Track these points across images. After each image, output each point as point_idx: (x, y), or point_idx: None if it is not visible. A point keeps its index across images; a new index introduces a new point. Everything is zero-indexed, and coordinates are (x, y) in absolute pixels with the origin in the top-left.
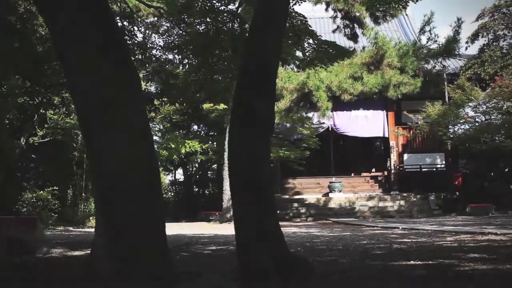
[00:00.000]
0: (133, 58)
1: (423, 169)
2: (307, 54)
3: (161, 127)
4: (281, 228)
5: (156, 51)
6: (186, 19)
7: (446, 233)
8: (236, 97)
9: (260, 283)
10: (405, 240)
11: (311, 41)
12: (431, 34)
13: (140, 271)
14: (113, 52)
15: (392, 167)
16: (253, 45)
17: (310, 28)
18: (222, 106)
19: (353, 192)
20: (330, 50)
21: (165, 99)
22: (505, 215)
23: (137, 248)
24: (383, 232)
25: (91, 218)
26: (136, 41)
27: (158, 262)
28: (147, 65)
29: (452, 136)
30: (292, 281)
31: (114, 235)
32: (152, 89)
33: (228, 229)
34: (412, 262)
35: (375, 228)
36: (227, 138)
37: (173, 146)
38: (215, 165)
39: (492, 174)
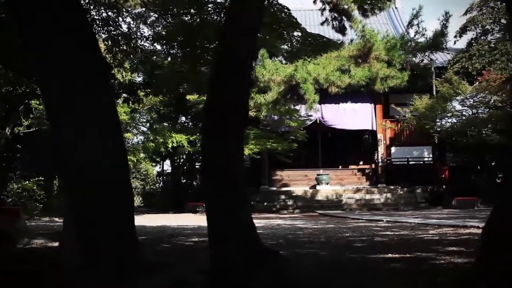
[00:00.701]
0: (118, 49)
1: (410, 162)
2: (291, 46)
3: (149, 118)
4: (267, 220)
5: (141, 42)
6: (170, 10)
7: (429, 226)
8: (209, 87)
9: (229, 275)
10: (387, 233)
11: (296, 33)
12: (419, 27)
13: (107, 263)
14: (79, 39)
15: (380, 160)
16: (228, 33)
17: (294, 20)
18: None
19: (340, 184)
20: (314, 43)
21: (148, 90)
22: (490, 208)
23: (104, 240)
24: (367, 225)
25: None
26: (120, 32)
27: (125, 254)
28: (131, 56)
29: (439, 129)
30: (262, 273)
31: (82, 227)
32: (141, 79)
33: None
34: (390, 255)
35: (360, 220)
36: None
37: (160, 140)
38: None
39: (478, 167)
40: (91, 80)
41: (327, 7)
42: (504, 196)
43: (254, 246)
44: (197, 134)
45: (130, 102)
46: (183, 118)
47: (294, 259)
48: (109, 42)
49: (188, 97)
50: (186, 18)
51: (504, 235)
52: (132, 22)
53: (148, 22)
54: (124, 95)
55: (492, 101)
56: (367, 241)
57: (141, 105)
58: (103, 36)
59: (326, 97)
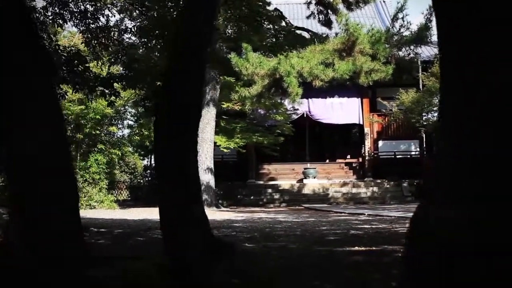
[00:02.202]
0: (96, 42)
1: (397, 156)
2: (273, 39)
3: (136, 112)
4: (250, 214)
5: (119, 35)
6: (146, 3)
7: (409, 220)
8: (162, 84)
9: (180, 268)
10: (365, 226)
11: (272, 26)
12: (403, 21)
13: (52, 256)
14: (22, 36)
15: (367, 154)
16: (182, 26)
17: (270, 13)
18: None
19: (327, 178)
20: (292, 37)
21: (124, 82)
22: None
23: (49, 233)
24: (348, 218)
25: None
26: (99, 25)
27: (70, 247)
28: (110, 49)
29: (425, 123)
30: (213, 265)
31: (26, 220)
32: (118, 73)
33: None
34: (356, 248)
35: (342, 214)
36: (199, 124)
37: (145, 133)
38: None
39: None
40: (37, 80)
41: (313, 1)
42: (426, 192)
43: (208, 239)
44: None
45: (107, 95)
46: None
47: (258, 251)
48: (88, 35)
49: None
50: (162, 11)
51: (427, 232)
52: (110, 14)
53: (126, 15)
54: (101, 88)
55: None
56: (341, 235)
57: (118, 99)
58: (81, 28)
59: (313, 91)
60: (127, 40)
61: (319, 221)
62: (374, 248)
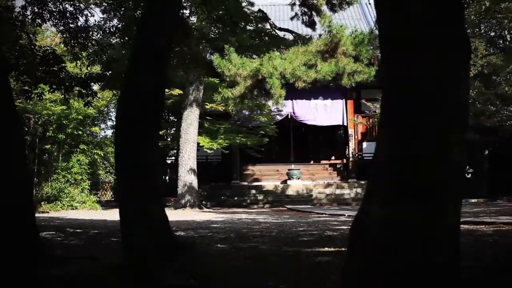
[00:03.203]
0: (74, 42)
1: None
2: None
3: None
4: (231, 215)
5: (98, 34)
6: (123, 4)
7: None
8: (124, 82)
9: (136, 267)
10: (342, 227)
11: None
12: None
13: (3, 257)
14: None
15: (351, 155)
16: (144, 27)
17: (254, 14)
18: (177, 91)
19: (311, 179)
20: (270, 38)
21: (103, 83)
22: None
23: (1, 234)
24: (327, 220)
25: (42, 203)
26: (78, 25)
27: (20, 247)
28: (89, 49)
29: None
30: (171, 265)
31: None
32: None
33: (180, 215)
34: (326, 248)
35: (323, 215)
36: (182, 124)
37: None
38: (174, 151)
39: None
40: None
41: (297, 2)
42: (368, 192)
43: (166, 239)
44: (168, 128)
45: (84, 96)
46: None
47: (227, 252)
48: (66, 35)
49: None
50: (139, 12)
51: (369, 232)
52: (89, 14)
53: (109, 15)
54: (78, 88)
55: None
56: (316, 235)
57: (100, 99)
58: (60, 28)
59: (297, 92)
60: (106, 40)
61: (298, 222)
62: (343, 249)
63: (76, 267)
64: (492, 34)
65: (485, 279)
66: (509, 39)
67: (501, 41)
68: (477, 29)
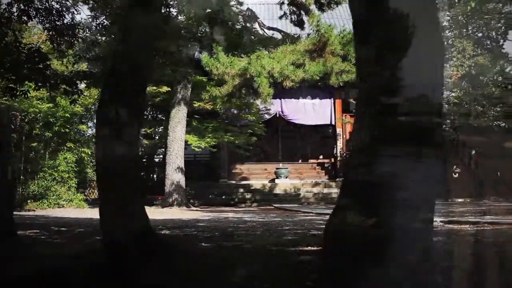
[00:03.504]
0: (60, 39)
1: None
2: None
3: None
4: (218, 213)
5: (84, 32)
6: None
7: None
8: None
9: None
10: None
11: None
12: None
13: None
14: None
15: (339, 154)
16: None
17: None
18: (165, 88)
19: (299, 178)
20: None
21: (89, 81)
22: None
23: None
24: (313, 218)
25: (29, 201)
26: (63, 22)
27: None
28: (75, 47)
29: None
30: (148, 264)
31: None
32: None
33: (167, 213)
34: (309, 248)
35: (310, 214)
36: (170, 123)
37: None
38: (162, 149)
39: None
40: None
41: (286, 1)
42: (341, 199)
43: (146, 238)
44: (156, 126)
45: (70, 93)
46: None
47: (209, 251)
48: (52, 32)
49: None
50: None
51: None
52: (75, 12)
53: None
54: (64, 86)
55: (448, 98)
56: (300, 234)
57: (88, 97)
58: (46, 26)
59: (285, 91)
60: (93, 38)
61: (284, 221)
62: None
63: (56, 266)
64: (480, 35)
65: None
66: (496, 40)
67: (488, 42)
68: (465, 30)
